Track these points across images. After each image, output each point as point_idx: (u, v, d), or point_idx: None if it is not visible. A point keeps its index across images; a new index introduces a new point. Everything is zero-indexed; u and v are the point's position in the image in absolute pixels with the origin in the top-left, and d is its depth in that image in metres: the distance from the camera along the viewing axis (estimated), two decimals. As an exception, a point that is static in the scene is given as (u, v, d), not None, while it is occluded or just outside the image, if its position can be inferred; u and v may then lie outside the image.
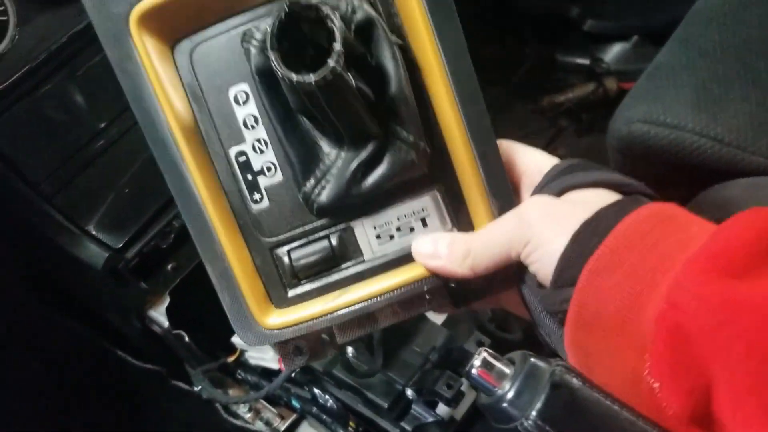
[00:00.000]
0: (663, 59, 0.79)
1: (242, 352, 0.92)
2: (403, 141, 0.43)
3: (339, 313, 0.46)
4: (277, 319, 0.46)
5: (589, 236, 0.38)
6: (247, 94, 0.44)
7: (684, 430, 0.34)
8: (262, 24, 0.43)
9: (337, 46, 0.37)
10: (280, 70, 0.37)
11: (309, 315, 0.46)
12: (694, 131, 0.68)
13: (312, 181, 0.44)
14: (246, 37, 0.43)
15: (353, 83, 0.39)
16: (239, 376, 0.91)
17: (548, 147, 1.41)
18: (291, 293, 0.47)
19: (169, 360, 0.94)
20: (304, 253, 0.46)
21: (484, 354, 0.37)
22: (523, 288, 0.43)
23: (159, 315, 0.82)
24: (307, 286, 0.47)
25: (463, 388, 0.77)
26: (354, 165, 0.43)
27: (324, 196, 0.44)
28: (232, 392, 0.90)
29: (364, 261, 0.46)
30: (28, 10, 0.57)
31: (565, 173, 0.44)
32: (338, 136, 0.43)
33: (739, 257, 0.34)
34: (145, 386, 1.01)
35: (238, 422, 0.88)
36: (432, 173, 0.45)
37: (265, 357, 0.89)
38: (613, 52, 1.50)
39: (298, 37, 0.39)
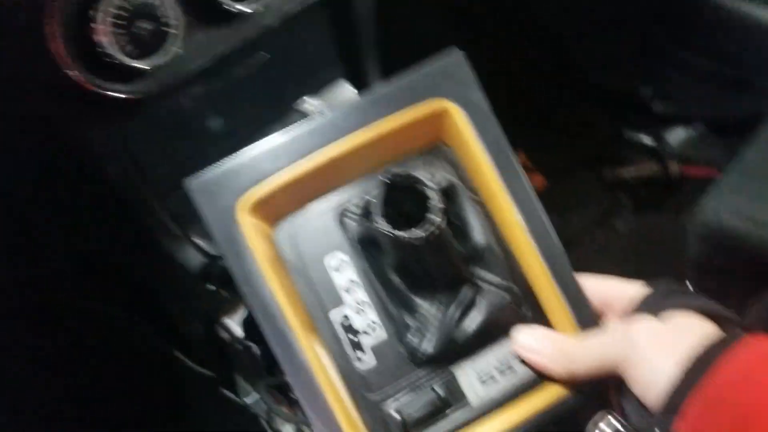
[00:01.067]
0: (754, 156, 0.81)
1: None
2: (493, 284, 0.48)
3: None
4: None
5: (697, 372, 0.40)
6: (343, 261, 0.49)
7: None
8: (352, 200, 0.50)
9: (439, 204, 0.43)
10: (393, 232, 0.42)
11: None
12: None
13: (415, 333, 0.47)
14: (344, 213, 0.49)
15: (452, 236, 0.45)
16: (293, 396, 0.92)
17: (604, 220, 1.42)
18: None
19: (222, 368, 0.96)
20: (412, 406, 0.47)
21: (609, 417, 0.39)
22: (624, 402, 0.45)
23: (234, 324, 0.84)
24: None
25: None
26: (453, 311, 0.47)
27: (430, 346, 0.47)
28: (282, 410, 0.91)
29: (470, 407, 0.48)
30: (192, 26, 0.60)
31: (665, 296, 0.47)
32: (430, 289, 0.47)
33: None
34: (192, 389, 1.03)
35: (283, 441, 0.89)
36: (523, 312, 0.49)
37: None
38: (679, 135, 1.52)
39: (395, 203, 0.44)
